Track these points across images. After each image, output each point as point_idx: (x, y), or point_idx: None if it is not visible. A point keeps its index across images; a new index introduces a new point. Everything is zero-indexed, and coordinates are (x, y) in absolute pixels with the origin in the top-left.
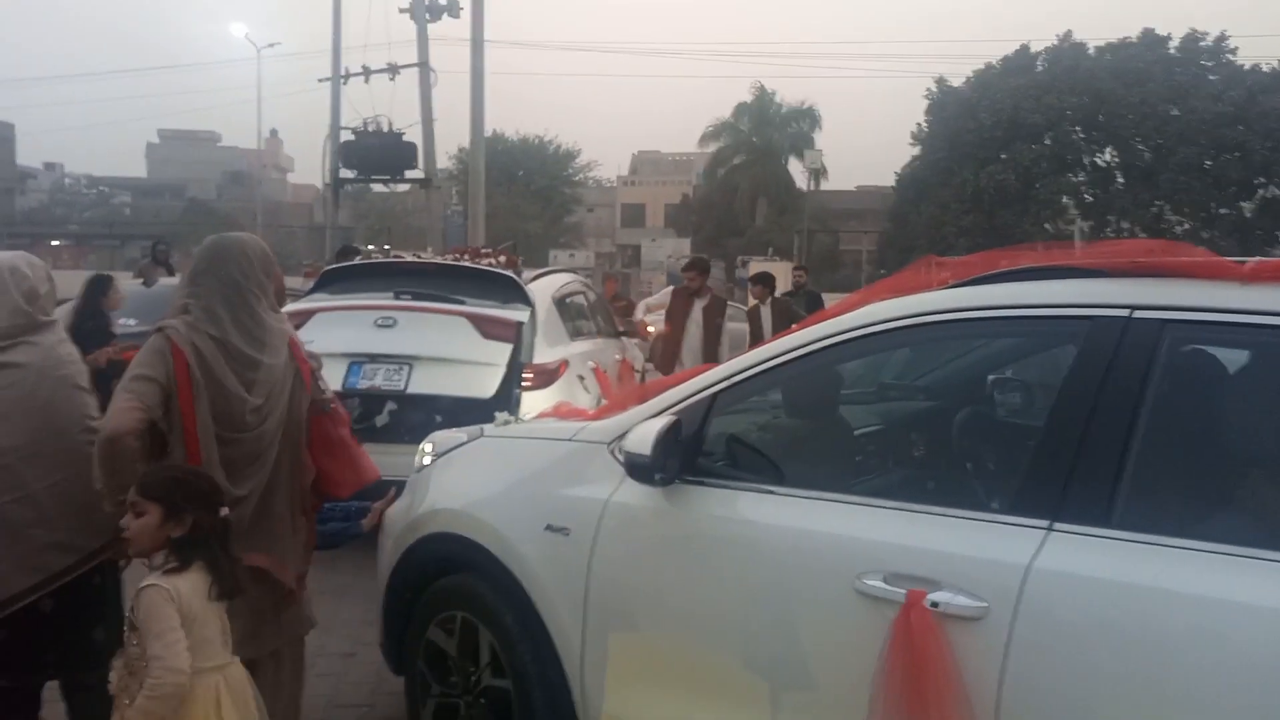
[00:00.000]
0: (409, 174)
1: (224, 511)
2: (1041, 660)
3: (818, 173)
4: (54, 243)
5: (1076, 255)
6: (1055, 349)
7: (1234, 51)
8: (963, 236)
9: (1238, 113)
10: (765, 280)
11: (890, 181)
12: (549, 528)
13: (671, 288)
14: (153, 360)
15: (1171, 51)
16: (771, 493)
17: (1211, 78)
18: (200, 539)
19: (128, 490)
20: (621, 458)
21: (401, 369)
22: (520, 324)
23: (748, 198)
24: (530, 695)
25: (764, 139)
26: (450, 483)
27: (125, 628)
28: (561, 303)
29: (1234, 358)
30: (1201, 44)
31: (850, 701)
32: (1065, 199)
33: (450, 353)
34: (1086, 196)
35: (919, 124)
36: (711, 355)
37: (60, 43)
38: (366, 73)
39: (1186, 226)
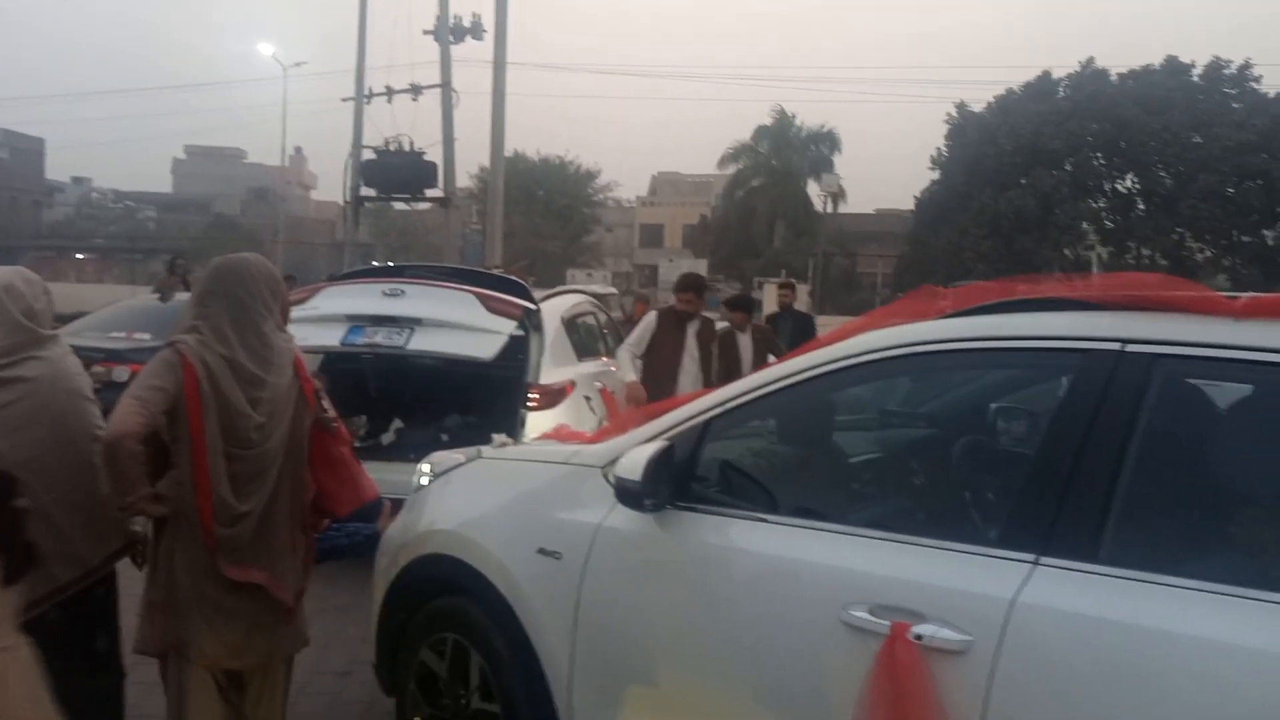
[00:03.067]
0: (429, 193)
1: (22, 503)
2: (1024, 696)
3: (836, 195)
4: (79, 256)
5: (1071, 288)
6: (1048, 381)
7: (1258, 80)
8: (980, 261)
9: (1261, 140)
10: (744, 305)
11: (909, 205)
12: (541, 551)
13: (654, 313)
14: (162, 371)
15: (1194, 79)
16: (763, 520)
17: (1235, 105)
18: None
19: (135, 493)
20: (613, 482)
21: (403, 331)
22: (528, 307)
23: (765, 220)
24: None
25: (783, 161)
26: (446, 504)
27: None
28: (571, 323)
29: (1225, 393)
30: (1225, 72)
31: None
32: (1085, 225)
33: (454, 318)
34: (1107, 223)
35: (939, 148)
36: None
37: (92, 61)
38: (389, 93)
39: (1208, 254)
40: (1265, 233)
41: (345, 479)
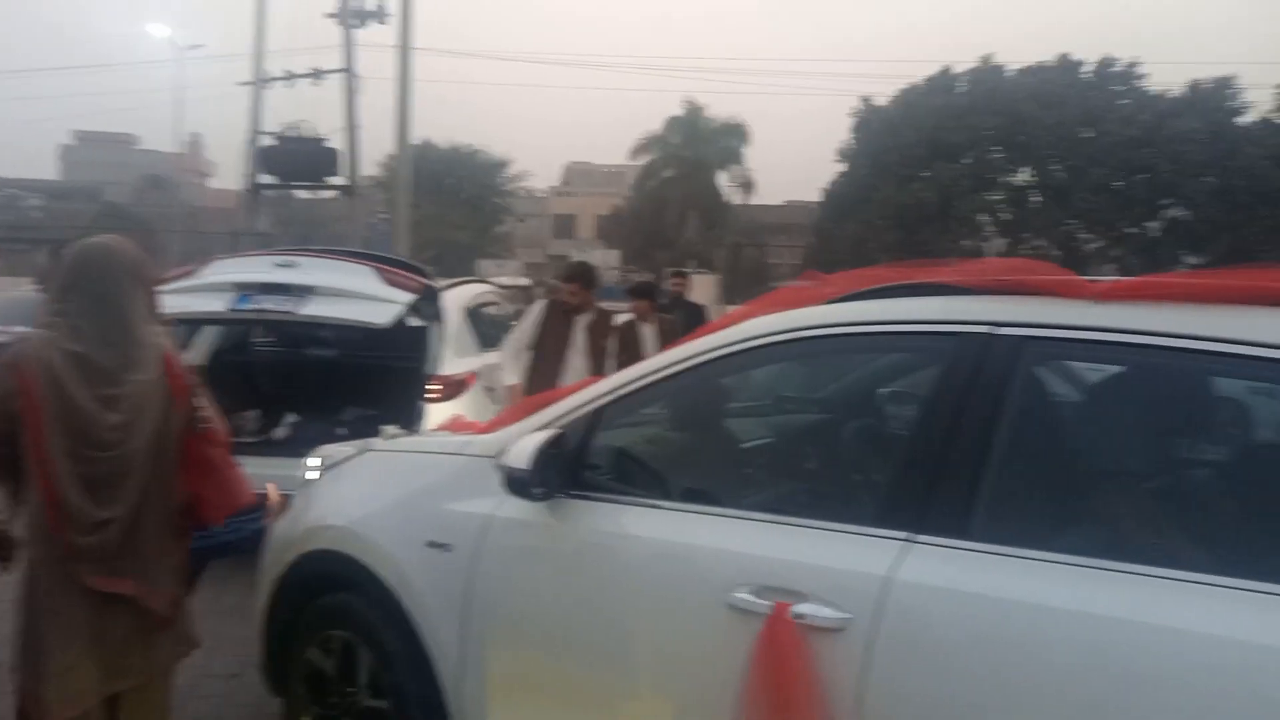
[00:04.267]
0: (331, 181)
1: None
2: (900, 670)
3: (746, 187)
4: None
5: (946, 273)
6: (925, 364)
7: (1143, 78)
8: (884, 253)
9: (1146, 136)
10: (647, 293)
11: (818, 197)
12: (431, 544)
13: (540, 304)
14: None
15: (1086, 76)
16: (655, 507)
17: (1122, 102)
18: None
19: None
20: (502, 472)
21: (295, 298)
22: (427, 283)
23: (677, 210)
24: (408, 716)
25: (694, 153)
26: (333, 498)
27: None
28: (474, 313)
29: (1087, 374)
30: (1113, 69)
31: (723, 716)
32: (983, 217)
33: (349, 287)
34: (1003, 215)
35: (844, 141)
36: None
37: None
38: (290, 77)
39: (1097, 245)
40: (1149, 224)
41: (218, 483)
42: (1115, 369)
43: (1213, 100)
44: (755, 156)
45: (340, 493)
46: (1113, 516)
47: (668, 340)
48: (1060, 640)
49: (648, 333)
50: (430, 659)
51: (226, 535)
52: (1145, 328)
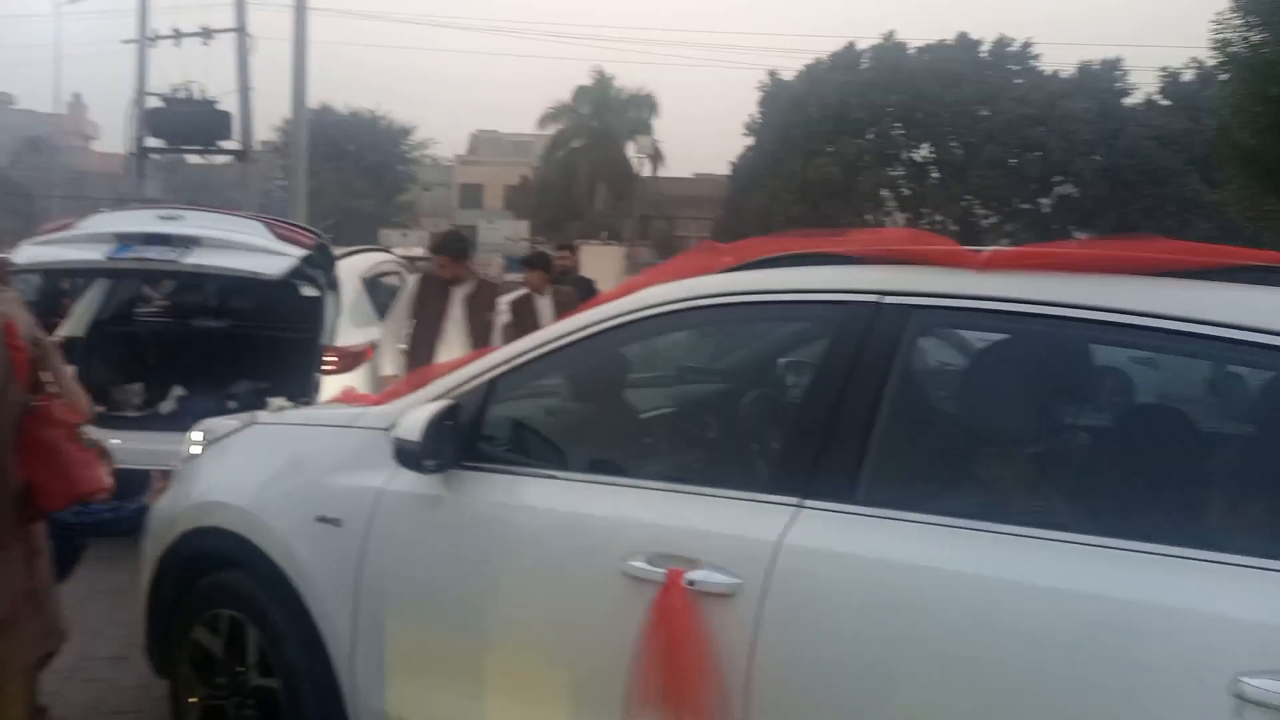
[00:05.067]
0: (223, 145)
1: None
2: (789, 633)
3: (656, 159)
4: None
5: (837, 243)
6: (816, 332)
7: (1037, 58)
8: (791, 226)
9: (1039, 114)
10: (541, 264)
11: (726, 170)
12: (320, 519)
13: (416, 278)
14: None
15: (983, 55)
16: (552, 477)
17: (1017, 81)
18: None
19: None
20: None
21: (178, 249)
22: (320, 239)
23: (587, 181)
24: (299, 694)
25: (603, 123)
26: (217, 473)
27: None
28: (372, 283)
29: (970, 341)
30: (1009, 49)
31: (620, 683)
32: (885, 192)
33: (237, 238)
34: (904, 190)
35: (752, 115)
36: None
37: None
38: (177, 36)
39: (993, 220)
40: (1041, 200)
41: (56, 468)
42: (997, 337)
43: (1101, 81)
44: (665, 128)
45: (224, 468)
46: (995, 480)
47: (563, 313)
48: (943, 600)
49: (543, 306)
50: (321, 636)
51: (104, 514)
52: (1025, 296)
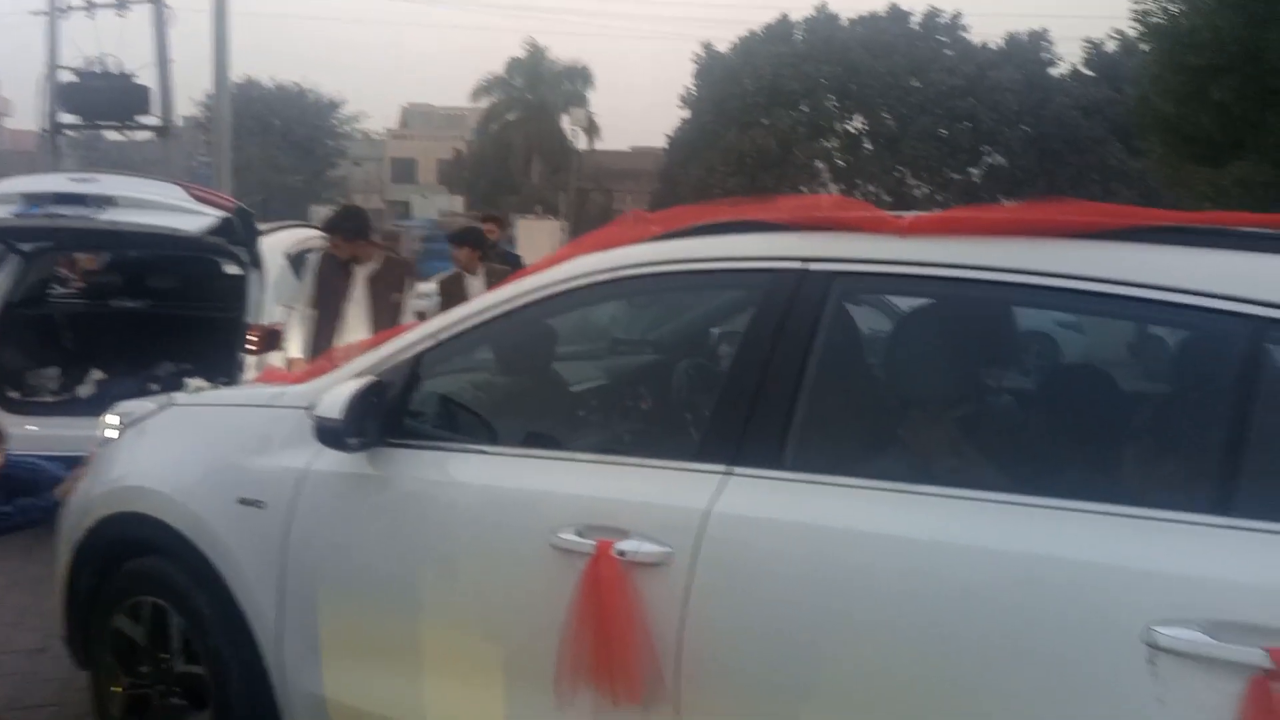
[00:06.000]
0: (143, 120)
1: None
2: (720, 600)
3: (590, 131)
4: None
5: (762, 210)
6: (743, 300)
7: (966, 29)
8: (727, 198)
9: (969, 86)
10: (470, 240)
11: (663, 143)
12: (242, 501)
13: (316, 256)
14: None
15: (914, 27)
16: (481, 452)
17: (947, 52)
18: None
19: None
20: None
21: (92, 207)
22: (242, 209)
23: (522, 155)
24: (226, 680)
25: (538, 96)
26: (135, 457)
27: None
28: (298, 259)
29: (897, 306)
30: (939, 20)
31: (553, 656)
32: (820, 164)
33: (155, 198)
34: (839, 162)
35: (687, 88)
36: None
37: None
38: (90, 6)
39: (925, 191)
40: (971, 170)
41: None
42: (921, 301)
43: (1028, 52)
44: (600, 101)
45: (142, 451)
46: (920, 442)
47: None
48: (869, 562)
49: (475, 285)
50: (247, 620)
51: (10, 513)
52: (947, 260)
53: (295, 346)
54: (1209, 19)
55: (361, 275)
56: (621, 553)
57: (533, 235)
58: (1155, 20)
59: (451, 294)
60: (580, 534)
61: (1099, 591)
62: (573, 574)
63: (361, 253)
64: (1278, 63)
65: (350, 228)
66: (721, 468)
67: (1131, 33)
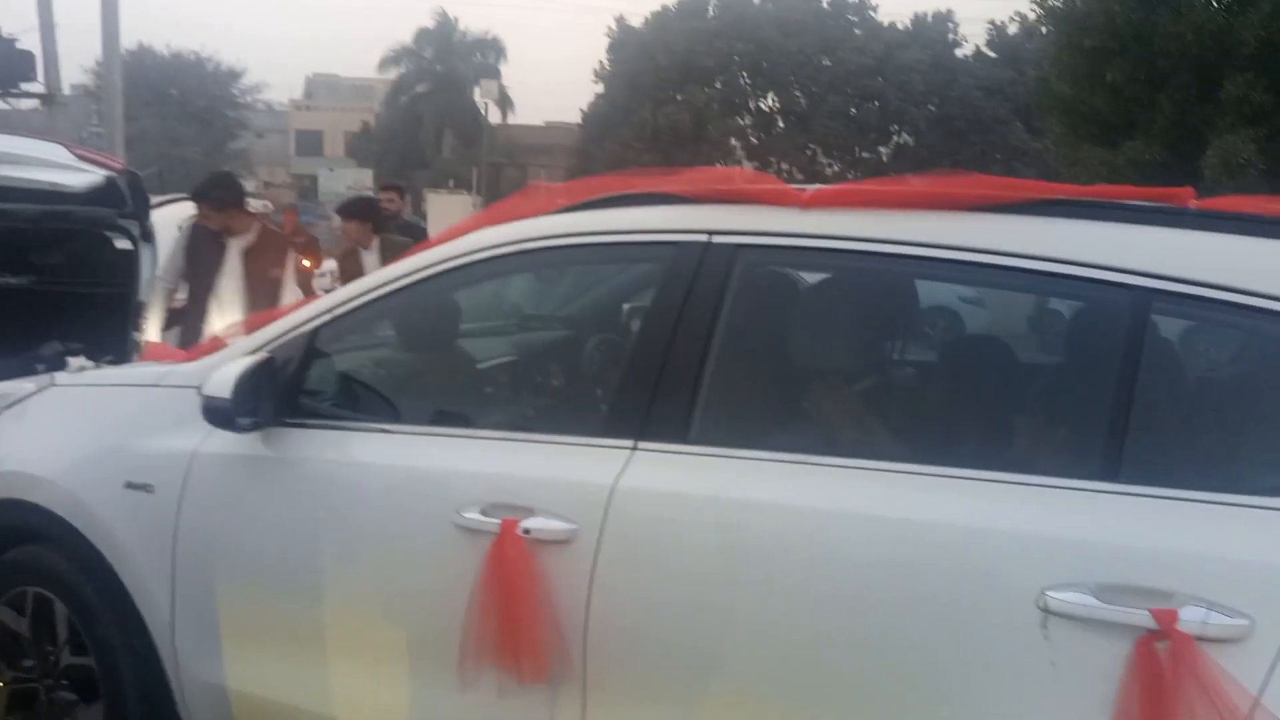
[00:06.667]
0: (26, 88)
1: None
2: (626, 576)
3: (504, 105)
4: None
5: (667, 182)
6: (648, 273)
7: (875, 8)
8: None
9: (877, 65)
10: (366, 212)
11: (578, 118)
12: (129, 485)
13: (184, 228)
14: None
15: (824, 5)
16: (382, 431)
17: (856, 32)
18: None
19: None
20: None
21: None
22: (131, 171)
23: (433, 128)
24: (117, 671)
25: (448, 68)
26: (13, 441)
27: None
28: None
29: (800, 279)
30: (848, 0)
31: (458, 639)
32: (734, 141)
33: (31, 154)
34: (752, 139)
35: (602, 62)
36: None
37: None
38: None
39: (836, 169)
40: (881, 149)
41: None
42: (821, 273)
43: (934, 33)
44: (514, 75)
45: (21, 435)
46: (823, 414)
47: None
48: (774, 533)
49: (370, 261)
50: (138, 608)
51: None
52: (845, 233)
53: (155, 326)
54: (1103, 2)
55: (236, 248)
56: (527, 531)
57: (445, 210)
58: (1053, 3)
59: (348, 270)
60: (485, 513)
61: (995, 558)
62: (477, 554)
63: (235, 224)
64: (1167, 45)
65: (220, 196)
66: (628, 443)
67: (1032, 15)
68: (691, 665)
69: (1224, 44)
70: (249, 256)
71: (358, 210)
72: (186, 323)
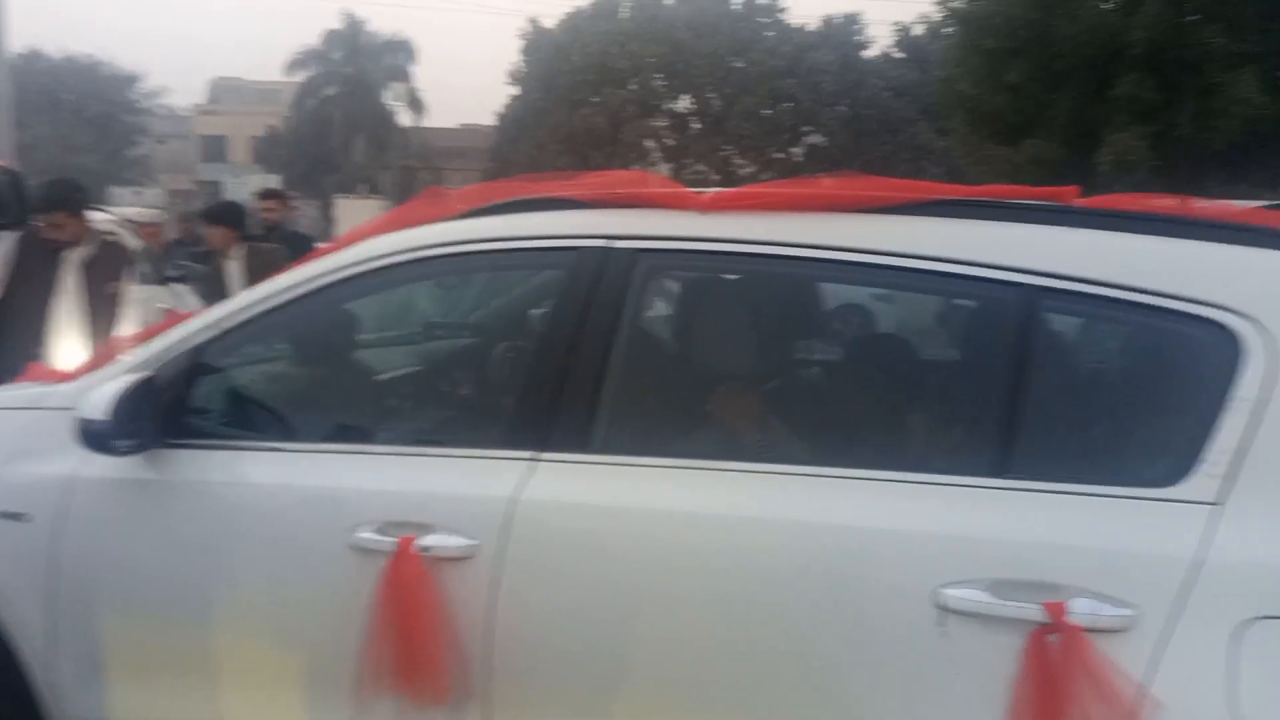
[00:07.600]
0: None
1: None
2: (528, 589)
3: (417, 108)
4: None
5: (566, 186)
6: (548, 280)
7: (785, 10)
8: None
9: (789, 67)
10: (229, 218)
11: (493, 120)
12: (2, 515)
13: (11, 238)
14: None
15: (735, 7)
16: (274, 449)
17: (768, 34)
18: None
19: None
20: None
21: None
22: (11, 170)
23: (343, 132)
24: None
25: (358, 70)
26: None
27: None
28: None
29: (699, 283)
30: (758, 2)
31: (353, 663)
32: (649, 143)
33: None
34: (668, 141)
35: (515, 64)
36: (100, 335)
37: None
38: None
39: (750, 170)
40: (794, 150)
41: None
42: (721, 277)
43: (843, 35)
44: (426, 77)
45: None
46: (723, 419)
47: (263, 275)
48: (677, 541)
49: (233, 270)
50: (11, 641)
51: None
52: (743, 237)
53: None
54: (1003, 4)
55: (73, 261)
56: (424, 549)
57: (356, 216)
58: (956, 5)
59: (212, 280)
60: (380, 532)
61: (892, 558)
62: (373, 575)
63: (77, 235)
64: (1064, 47)
65: (78, 201)
66: (529, 454)
67: (937, 17)
68: (598, 678)
69: (1116, 45)
70: (87, 271)
71: (222, 216)
72: (5, 341)
